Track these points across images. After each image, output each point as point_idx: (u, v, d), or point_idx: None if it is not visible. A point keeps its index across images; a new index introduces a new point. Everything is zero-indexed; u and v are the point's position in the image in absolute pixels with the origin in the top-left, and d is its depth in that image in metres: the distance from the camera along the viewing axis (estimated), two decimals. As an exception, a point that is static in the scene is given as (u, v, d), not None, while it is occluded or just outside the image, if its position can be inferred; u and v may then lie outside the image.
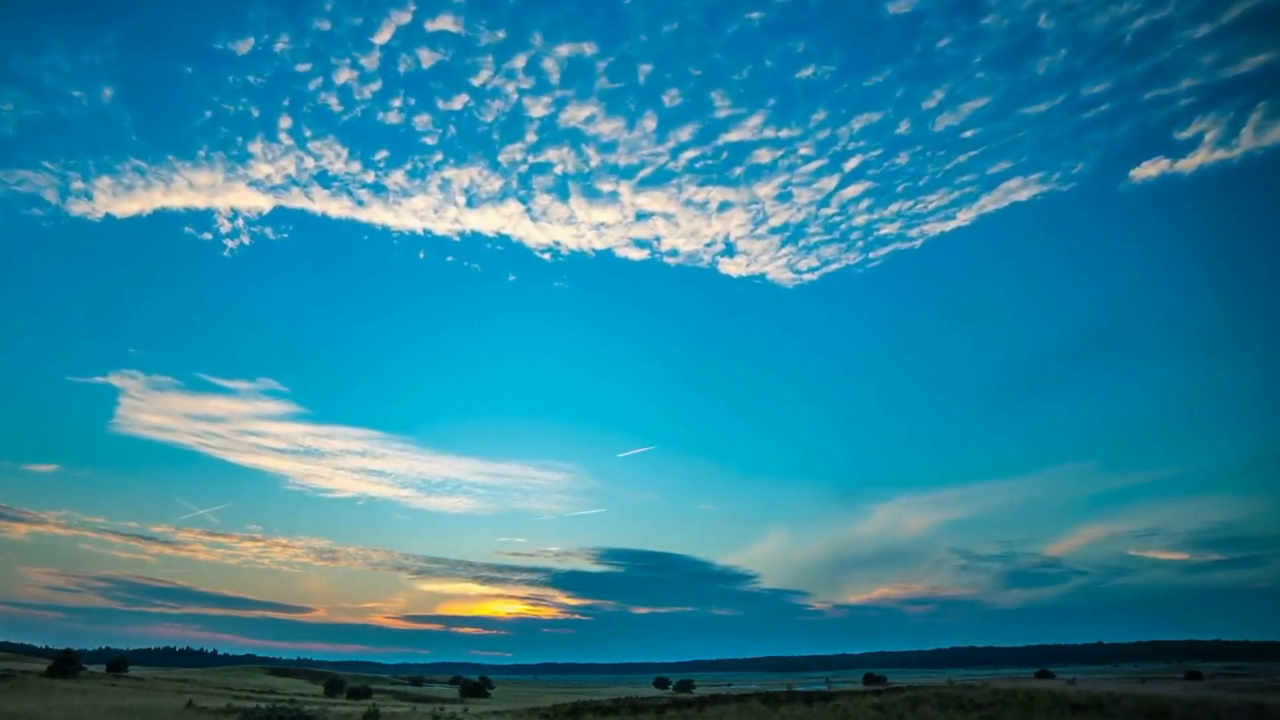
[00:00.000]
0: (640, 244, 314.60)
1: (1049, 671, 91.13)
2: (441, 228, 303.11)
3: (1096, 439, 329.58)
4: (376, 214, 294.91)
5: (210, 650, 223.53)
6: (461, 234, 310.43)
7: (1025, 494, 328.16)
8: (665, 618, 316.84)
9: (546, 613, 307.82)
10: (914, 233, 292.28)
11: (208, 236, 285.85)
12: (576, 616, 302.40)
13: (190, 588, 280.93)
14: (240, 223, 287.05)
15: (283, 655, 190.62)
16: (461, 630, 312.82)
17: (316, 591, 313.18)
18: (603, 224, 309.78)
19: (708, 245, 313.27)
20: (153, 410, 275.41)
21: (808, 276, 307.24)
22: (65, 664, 50.03)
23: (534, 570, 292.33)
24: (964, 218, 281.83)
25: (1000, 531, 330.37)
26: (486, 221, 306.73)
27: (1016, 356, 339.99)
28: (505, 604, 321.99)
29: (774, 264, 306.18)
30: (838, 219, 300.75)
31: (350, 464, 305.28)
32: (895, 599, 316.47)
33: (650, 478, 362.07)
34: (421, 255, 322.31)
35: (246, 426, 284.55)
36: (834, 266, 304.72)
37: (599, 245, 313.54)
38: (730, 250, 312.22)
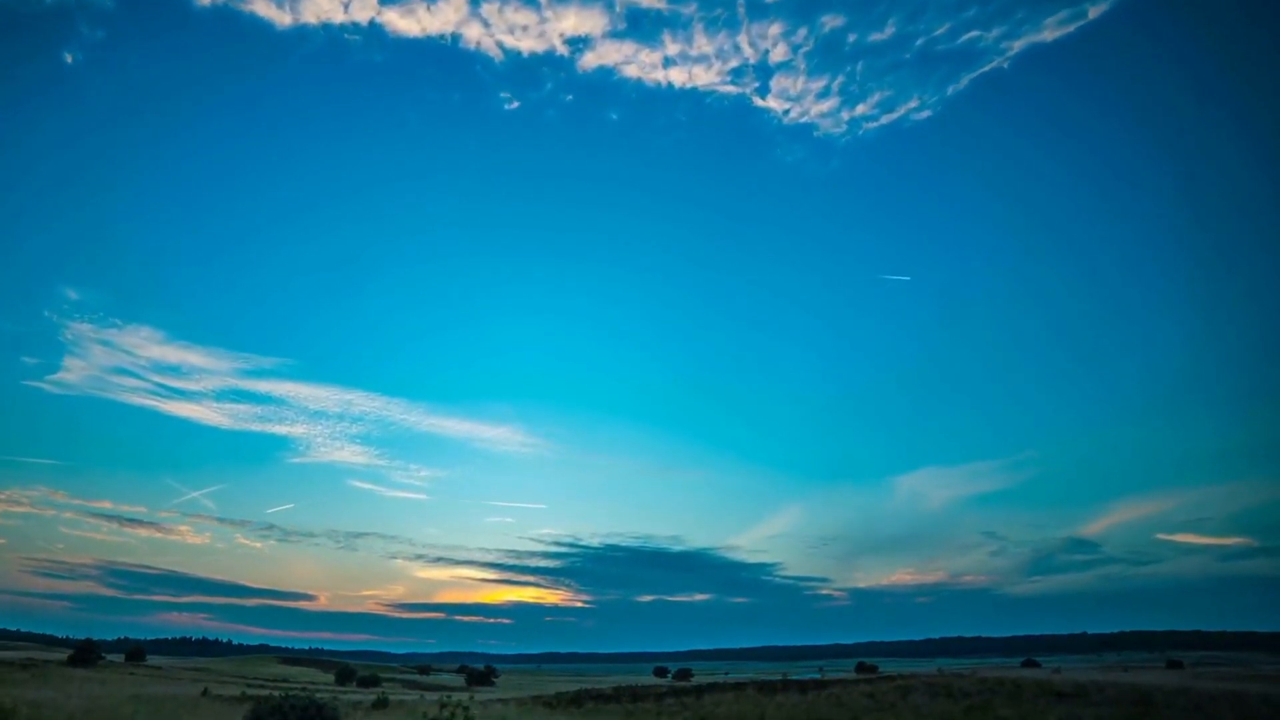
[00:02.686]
0: (638, 64, 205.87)
1: (1035, 661, 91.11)
2: (359, 21, 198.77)
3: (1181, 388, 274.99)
4: (259, 4, 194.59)
5: (225, 640, 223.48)
6: (382, 39, 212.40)
7: (1078, 461, 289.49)
8: (671, 607, 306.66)
9: (550, 598, 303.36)
10: (1015, 44, 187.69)
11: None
12: (579, 605, 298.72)
13: (185, 574, 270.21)
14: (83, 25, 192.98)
15: (283, 644, 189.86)
16: (463, 619, 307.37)
17: (312, 578, 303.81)
18: (583, 37, 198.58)
19: (736, 74, 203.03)
20: (99, 360, 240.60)
21: (868, 126, 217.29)
22: (85, 653, 49.97)
23: (535, 555, 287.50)
24: (1095, 10, 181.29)
25: (1038, 507, 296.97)
26: (417, 23, 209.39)
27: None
28: (507, 591, 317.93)
29: (820, 105, 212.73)
30: (912, 29, 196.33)
31: (336, 429, 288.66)
32: (909, 585, 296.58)
33: (649, 450, 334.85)
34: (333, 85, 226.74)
35: (212, 384, 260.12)
36: (897, 113, 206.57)
37: (581, 66, 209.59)
38: (765, 80, 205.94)
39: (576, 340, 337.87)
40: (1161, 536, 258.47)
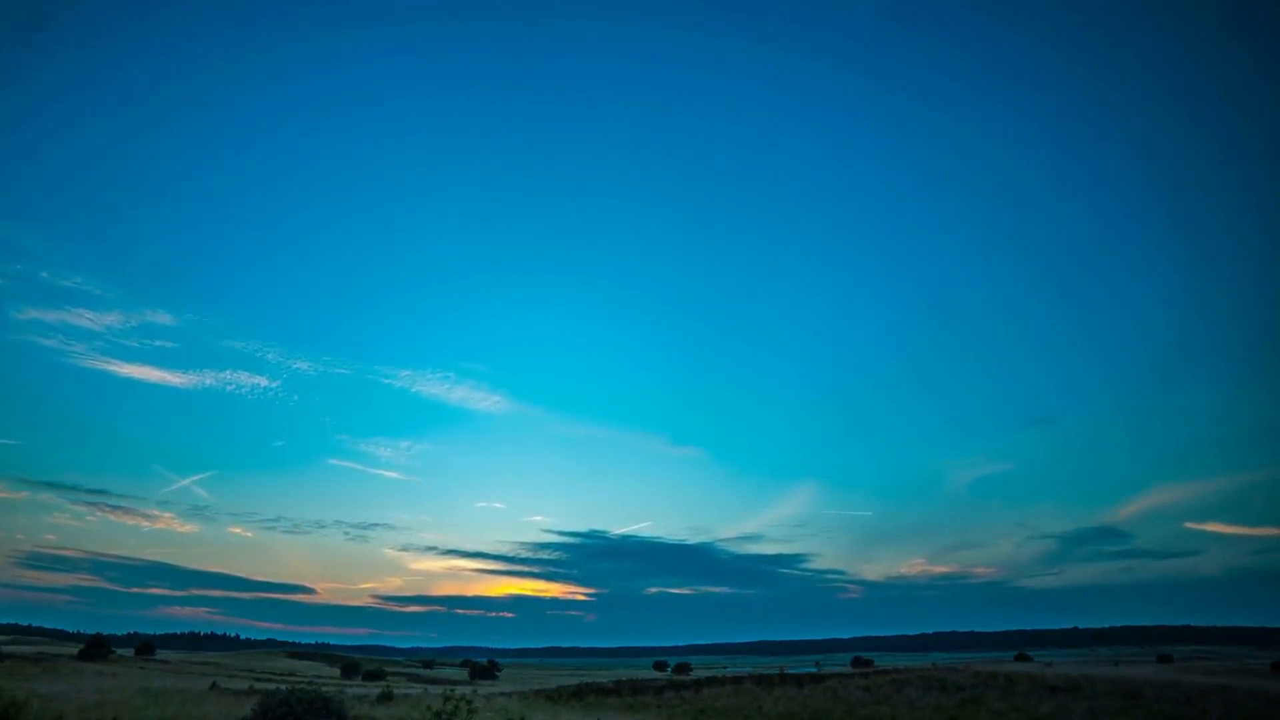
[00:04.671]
0: None
1: (1027, 655, 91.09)
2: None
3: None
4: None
5: (233, 635, 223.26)
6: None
7: (1109, 443, 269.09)
8: (670, 600, 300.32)
9: (551, 591, 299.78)
10: None
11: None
12: (580, 597, 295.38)
13: (180, 566, 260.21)
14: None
15: (285, 638, 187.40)
16: (464, 612, 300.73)
17: (307, 570, 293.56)
18: None
19: None
20: (39, 316, 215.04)
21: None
22: (95, 648, 50.01)
23: (529, 547, 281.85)
24: None
25: (1066, 493, 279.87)
26: None
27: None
28: (508, 585, 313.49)
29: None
30: None
31: (314, 400, 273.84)
32: (922, 577, 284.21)
33: (648, 438, 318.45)
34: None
35: (167, 344, 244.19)
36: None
37: None
38: None
39: (561, 319, 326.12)
40: (1191, 525, 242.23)
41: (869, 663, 71.40)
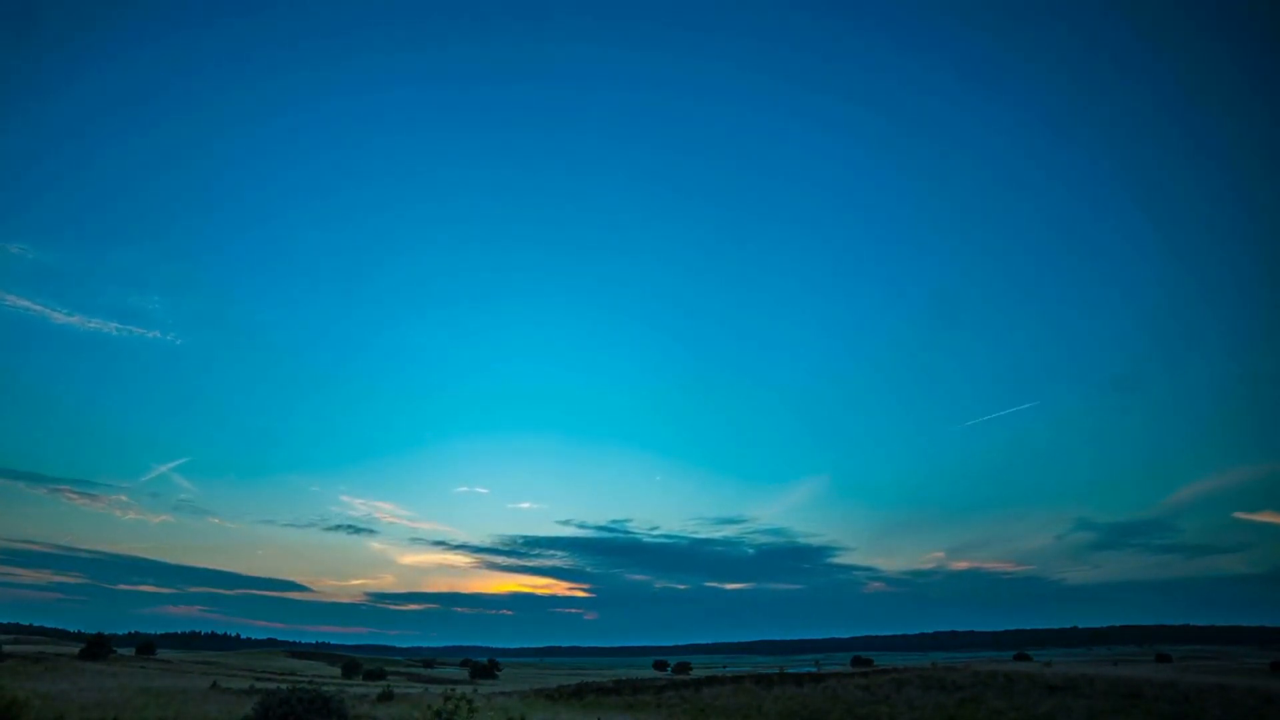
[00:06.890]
0: None
1: (1026, 655, 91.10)
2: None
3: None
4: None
5: (234, 634, 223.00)
6: None
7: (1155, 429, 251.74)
8: (677, 595, 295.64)
9: (555, 588, 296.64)
10: None
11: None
12: (580, 594, 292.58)
13: (163, 561, 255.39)
14: None
15: (283, 637, 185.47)
16: (463, 610, 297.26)
17: (296, 566, 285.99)
18: None
19: None
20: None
21: None
22: (96, 647, 49.98)
23: (539, 544, 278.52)
24: None
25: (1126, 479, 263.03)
26: None
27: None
28: (508, 582, 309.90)
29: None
30: None
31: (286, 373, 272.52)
32: (935, 571, 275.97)
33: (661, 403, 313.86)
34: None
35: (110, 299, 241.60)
36: None
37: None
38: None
39: (560, 311, 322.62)
40: (1241, 515, 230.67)
41: (868, 662, 71.46)
